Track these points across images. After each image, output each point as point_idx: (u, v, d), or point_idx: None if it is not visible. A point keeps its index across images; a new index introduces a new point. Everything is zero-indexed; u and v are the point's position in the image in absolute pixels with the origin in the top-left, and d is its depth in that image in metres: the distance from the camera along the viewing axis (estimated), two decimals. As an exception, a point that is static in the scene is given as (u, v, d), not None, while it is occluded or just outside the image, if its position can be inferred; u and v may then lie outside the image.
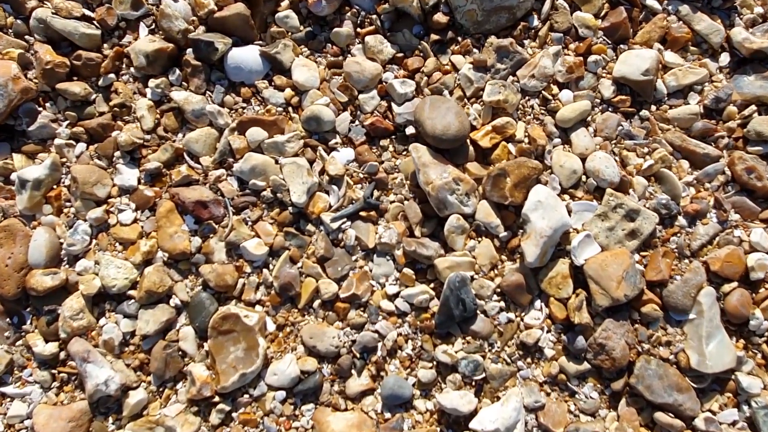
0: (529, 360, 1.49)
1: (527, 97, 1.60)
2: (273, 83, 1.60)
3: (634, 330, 1.47)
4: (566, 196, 1.54)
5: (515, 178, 1.49)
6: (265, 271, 1.52)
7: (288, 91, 1.59)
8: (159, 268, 1.51)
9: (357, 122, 1.60)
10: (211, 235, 1.54)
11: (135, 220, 1.54)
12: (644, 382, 1.43)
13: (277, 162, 1.56)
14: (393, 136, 1.60)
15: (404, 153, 1.59)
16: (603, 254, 1.47)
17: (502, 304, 1.50)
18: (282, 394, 1.46)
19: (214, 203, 1.53)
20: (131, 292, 1.50)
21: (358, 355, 1.49)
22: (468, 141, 1.56)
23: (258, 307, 1.52)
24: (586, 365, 1.46)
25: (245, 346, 1.46)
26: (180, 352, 1.48)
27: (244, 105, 1.60)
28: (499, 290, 1.50)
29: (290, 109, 1.60)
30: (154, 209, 1.55)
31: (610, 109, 1.59)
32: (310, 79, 1.59)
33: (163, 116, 1.59)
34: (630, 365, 1.45)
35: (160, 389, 1.48)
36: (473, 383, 1.48)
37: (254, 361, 1.45)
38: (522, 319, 1.50)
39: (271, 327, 1.51)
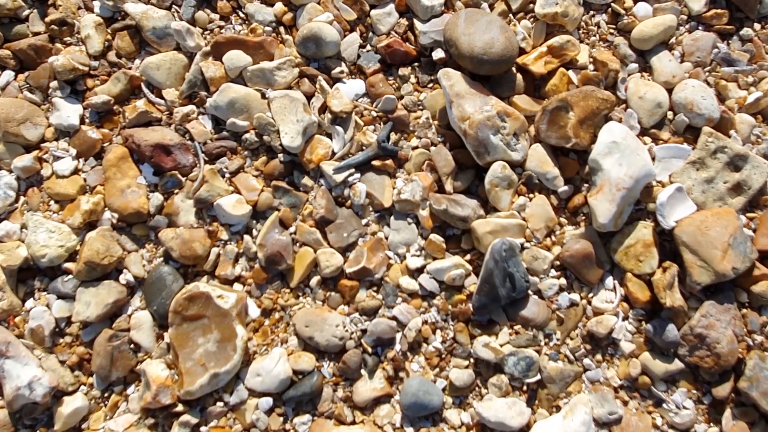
0: (599, 357, 1.11)
1: (592, 12, 1.22)
2: (259, -4, 1.24)
3: (742, 317, 1.09)
4: (647, 139, 1.16)
5: (580, 112, 1.12)
6: (246, 237, 1.15)
7: (279, 6, 1.23)
8: (105, 233, 1.14)
9: (369, 45, 1.23)
10: (176, 191, 1.17)
11: (76, 171, 1.17)
12: (759, 386, 1.05)
13: (264, 96, 1.19)
14: (416, 63, 1.23)
15: (430, 85, 1.22)
16: (701, 214, 1.09)
17: (563, 281, 1.12)
18: (268, 401, 1.09)
19: (180, 148, 1.16)
20: (68, 265, 1.13)
21: (369, 350, 1.11)
22: (514, 68, 1.19)
23: (237, 286, 1.15)
24: (677, 364, 1.08)
25: (218, 337, 1.09)
26: (132, 345, 1.12)
27: (222, 24, 1.23)
28: (558, 263, 1.13)
29: (282, 28, 1.23)
30: (101, 156, 1.18)
31: (701, 27, 1.21)
32: (308, -11, 1.23)
33: (115, 37, 1.22)
34: (738, 364, 1.07)
35: (105, 394, 1.11)
36: (525, 388, 1.10)
37: (230, 357, 1.08)
38: (590, 302, 1.12)
39: (254, 312, 1.14)
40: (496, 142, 1.11)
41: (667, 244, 1.13)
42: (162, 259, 1.15)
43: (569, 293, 1.13)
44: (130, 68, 1.22)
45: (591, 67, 1.19)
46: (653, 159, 1.14)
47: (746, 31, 1.20)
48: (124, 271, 1.14)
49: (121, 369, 1.10)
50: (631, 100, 1.16)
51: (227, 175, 1.18)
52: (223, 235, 1.16)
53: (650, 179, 1.10)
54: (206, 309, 1.10)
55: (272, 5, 1.23)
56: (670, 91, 1.16)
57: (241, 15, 1.24)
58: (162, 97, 1.20)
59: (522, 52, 1.19)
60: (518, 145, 1.14)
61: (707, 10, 1.21)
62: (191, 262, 1.13)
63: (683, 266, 1.09)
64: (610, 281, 1.13)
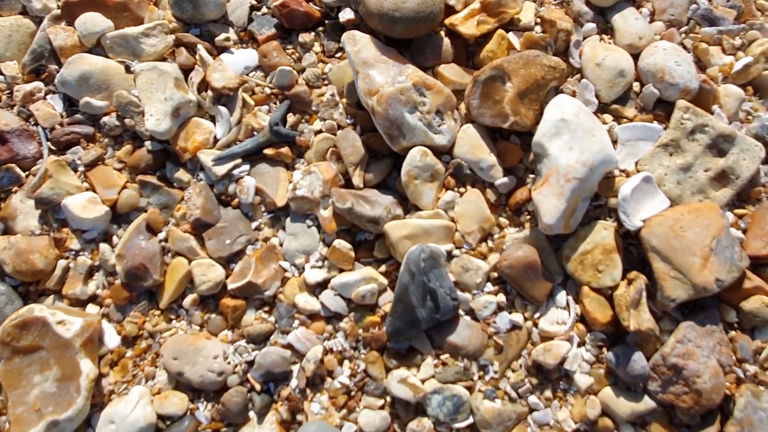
0: (549, 394, 0.87)
1: (539, -40, 0.99)
2: (128, -53, 1.00)
3: (730, 341, 0.86)
4: (607, 117, 0.92)
5: (520, 82, 0.87)
6: (103, 246, 0.91)
7: (151, -41, 0.99)
8: None
9: (266, 7, 0.99)
10: (15, 189, 0.93)
11: None
12: (752, 431, 0.81)
13: (129, 70, 0.95)
14: (320, 28, 0.99)
15: (338, 54, 0.98)
16: (675, 211, 0.85)
17: (502, 298, 0.88)
18: (122, 457, 0.85)
19: (19, 135, 0.93)
20: None
21: (258, 387, 0.88)
22: (441, 33, 0.95)
23: (92, 308, 0.91)
24: (647, 403, 0.85)
25: (58, 375, 0.85)
26: (-51, 386, 0.88)
27: (79, -19, 1.00)
28: (496, 275, 0.89)
29: (154, -14, 1.00)
30: None
31: (675, -22, 0.97)
32: (186, -64, 0.99)
33: (-56, -2, 0.99)
34: (725, 402, 0.84)
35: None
36: (453, 435, 0.86)
37: (73, 399, 0.84)
38: (536, 325, 0.88)
39: (112, 341, 0.90)
40: (413, 122, 0.87)
41: (634, 250, 0.89)
42: (-5, 275, 0.91)
43: (510, 313, 0.89)
44: (-38, 37, 0.98)
45: (537, 28, 0.95)
46: (614, 142, 0.90)
47: (731, -18, 0.97)
48: (-55, 291, 0.90)
49: (-66, 417, 0.87)
50: (586, 68, 0.92)
51: (81, 169, 0.94)
52: (74, 243, 0.92)
53: (610, 167, 0.86)
54: (43, 339, 0.86)
55: (143, -43, 1.00)
56: (636, 57, 0.92)
57: (104, -30, 1.00)
58: (0, 73, 0.96)
59: (451, 11, 0.95)
60: (443, 126, 0.90)
61: (683, -43, 0.97)
62: (30, 278, 0.90)
63: (653, 278, 0.85)
64: (562, 297, 0.89)
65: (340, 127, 0.94)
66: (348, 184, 0.92)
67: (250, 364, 0.89)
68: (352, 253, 0.90)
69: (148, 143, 0.93)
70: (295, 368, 0.89)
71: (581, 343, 0.88)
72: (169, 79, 0.93)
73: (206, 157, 0.92)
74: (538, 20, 0.95)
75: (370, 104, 0.87)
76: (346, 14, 0.96)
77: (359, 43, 0.90)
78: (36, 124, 0.94)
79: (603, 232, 0.88)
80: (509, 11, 0.93)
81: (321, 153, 0.93)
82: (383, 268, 0.91)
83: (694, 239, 0.83)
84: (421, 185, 0.89)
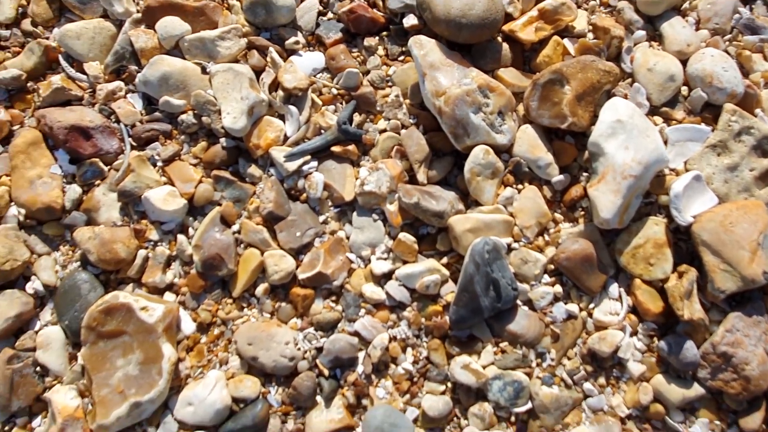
0: (603, 381, 0.92)
1: (591, -28, 1.04)
2: (202, -45, 1.06)
3: (776, 331, 0.91)
4: (658, 119, 0.98)
5: (578, 86, 0.93)
6: (181, 237, 0.96)
7: (224, -33, 1.05)
8: (9, 233, 0.95)
9: (330, 12, 1.05)
10: (98, 182, 0.98)
11: (-22, 158, 0.99)
12: (797, 416, 0.86)
13: (204, 71, 1.01)
14: (384, 32, 1.04)
15: (401, 57, 1.03)
16: (724, 207, 0.90)
17: (558, 289, 0.94)
18: (201, 436, 0.90)
19: (102, 131, 0.98)
20: (-37, 270, 0.94)
21: (326, 373, 0.93)
22: (500, 36, 1.00)
23: (169, 295, 0.96)
24: (697, 389, 0.89)
25: (141, 358, 0.90)
26: (38, 368, 0.93)
27: (157, -14, 1.06)
28: (552, 267, 0.94)
29: (227, -8, 1.06)
30: (9, 141, 0.99)
31: (719, -10, 1.03)
32: (258, -54, 1.05)
33: (30, 1, 1.04)
34: (772, 389, 0.88)
35: (6, 428, 0.92)
36: (513, 419, 0.91)
37: (155, 382, 0.89)
38: (591, 315, 0.93)
39: (188, 327, 0.95)
40: (477, 122, 0.93)
41: (683, 245, 0.94)
42: (79, 263, 0.96)
43: (566, 303, 0.94)
44: (47, 38, 1.04)
45: (590, 35, 1.01)
46: (665, 142, 0.96)
47: (773, -6, 1.03)
48: (32, 278, 0.95)
49: (23, 397, 0.91)
50: (638, 73, 0.98)
51: (159, 164, 0.99)
52: (153, 234, 0.97)
53: (662, 166, 0.92)
54: (127, 324, 0.91)
55: (217, -35, 1.06)
56: (684, 62, 0.98)
57: (180, -24, 1.06)
58: (84, 72, 1.02)
59: (509, 18, 1.01)
60: (504, 126, 0.95)
61: (726, -30, 1.03)
62: (113, 267, 0.95)
63: (703, 270, 0.90)
64: (614, 289, 0.94)
65: (403, 126, 1.00)
66: (412, 181, 0.97)
67: (319, 350, 0.94)
68: (416, 246, 0.95)
69: (222, 140, 0.99)
70: (361, 355, 0.94)
71: (633, 333, 0.93)
72: (245, 79, 0.98)
73: (278, 153, 0.98)
74: (591, 27, 1.01)
75: (437, 105, 0.93)
76: (410, 20, 1.01)
77: (425, 47, 0.96)
78: (118, 121, 0.99)
79: (654, 228, 0.93)
80: (565, 19, 0.99)
81: (386, 151, 0.99)
82: (445, 260, 0.96)
83: (742, 234, 0.88)
84: (483, 182, 0.95)
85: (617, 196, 0.89)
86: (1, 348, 0.92)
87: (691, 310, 0.88)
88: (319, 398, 0.93)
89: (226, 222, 0.97)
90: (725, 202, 0.93)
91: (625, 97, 0.97)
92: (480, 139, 0.94)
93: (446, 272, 0.95)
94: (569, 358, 0.93)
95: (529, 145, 0.95)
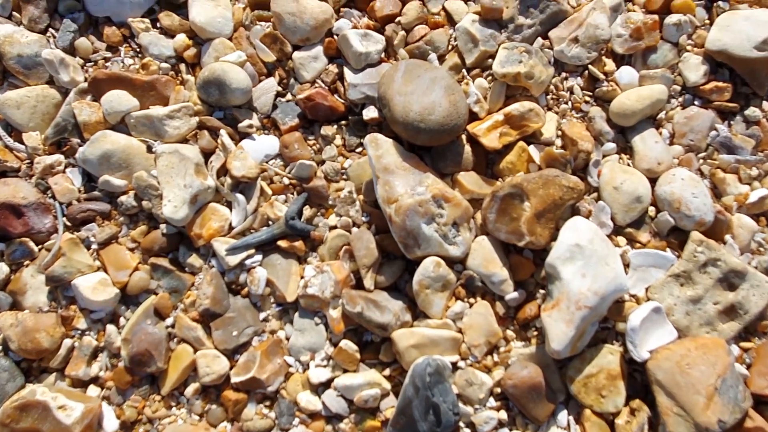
0: None
1: (564, 74, 0.99)
2: (159, 24, 1.00)
3: (727, 479, 0.86)
4: (621, 239, 0.93)
5: (538, 203, 0.88)
6: (110, 328, 0.91)
7: (181, 39, 0.99)
8: (-74, 313, 0.90)
9: (290, 94, 1.00)
10: (27, 263, 0.93)
11: None
12: None
13: (150, 149, 0.96)
14: (343, 121, 0.99)
15: (359, 150, 0.98)
16: (683, 345, 0.85)
17: (503, 415, 0.88)
18: None
19: (36, 209, 0.93)
20: None
21: (252, 485, 0.87)
22: (463, 137, 0.95)
23: (93, 389, 0.91)
24: None
25: (55, 462, 0.84)
26: (-55, 462, 0.87)
27: (109, 55, 1.00)
28: (499, 391, 0.89)
29: (183, 66, 1.00)
30: (-64, 213, 0.94)
31: (697, 102, 0.98)
32: (217, 21, 0.99)
33: (-29, 63, 0.99)
34: None
35: None
36: None
37: (67, 488, 0.83)
38: (535, 444, 0.88)
39: (111, 425, 0.89)
40: (429, 234, 0.88)
41: (638, 376, 0.89)
42: (0, 349, 0.91)
43: (510, 430, 0.89)
44: (-14, 104, 0.98)
45: (558, 142, 0.96)
46: (627, 266, 0.91)
47: (752, 111, 0.97)
48: (-52, 362, 0.90)
49: (-75, 493, 0.86)
50: (604, 190, 0.93)
51: (95, 246, 0.94)
52: (81, 323, 0.92)
53: (621, 294, 0.87)
54: (43, 422, 0.85)
55: (172, 36, 1.00)
56: (653, 180, 0.93)
57: (134, 46, 1.01)
58: (22, 142, 0.96)
59: (474, 117, 0.96)
60: (458, 237, 0.90)
61: (706, 82, 0.97)
62: (35, 356, 0.89)
63: (656, 410, 0.85)
64: (563, 417, 0.89)
65: (355, 224, 0.95)
66: (359, 286, 0.92)
67: (247, 459, 0.89)
68: (358, 355, 0.90)
69: (163, 226, 0.93)
70: (292, 467, 0.89)
71: (579, 467, 0.88)
72: (190, 165, 0.93)
73: (220, 246, 0.92)
74: (560, 133, 0.96)
75: (388, 212, 0.88)
76: (370, 112, 0.96)
77: (381, 148, 0.90)
78: (53, 197, 0.94)
79: (609, 357, 0.88)
80: (532, 125, 0.93)
81: (334, 250, 0.93)
82: (387, 371, 0.91)
83: (699, 377, 0.83)
84: (432, 294, 0.89)
85: (570, 327, 0.84)
86: None
87: (639, 454, 0.83)
88: None
89: (159, 314, 0.92)
90: (685, 336, 0.88)
91: (589, 213, 0.92)
92: (431, 250, 0.88)
93: (387, 385, 0.90)
94: (510, 490, 0.88)
95: (484, 259, 0.90)
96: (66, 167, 0.96)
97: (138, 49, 1.00)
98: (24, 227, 0.92)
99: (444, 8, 1.01)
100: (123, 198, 0.94)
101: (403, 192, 0.88)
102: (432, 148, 0.94)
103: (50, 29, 0.99)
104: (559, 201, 0.89)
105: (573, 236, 0.87)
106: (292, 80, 1.00)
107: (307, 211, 0.95)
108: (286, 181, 0.96)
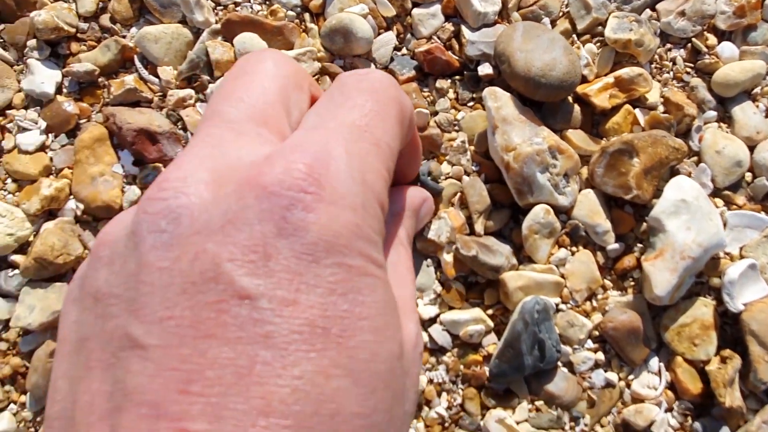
0: (633, 453, 0.93)
1: (669, 45, 1.05)
2: (287, -25, 1.07)
3: (809, 428, 0.92)
4: (719, 201, 0.99)
5: (647, 160, 0.94)
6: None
7: (308, -11, 1.05)
8: (65, 226, 0.95)
9: (405, 49, 1.05)
10: (157, 187, 0.98)
11: (42, 147, 0.99)
12: None
13: (275, 90, 1.01)
14: (457, 76, 1.05)
15: (471, 103, 1.04)
16: (775, 299, 0.91)
17: (600, 356, 0.94)
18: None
19: (168, 138, 0.98)
20: (15, 258, 0.94)
21: (360, 407, 0.93)
22: (571, 97, 1.01)
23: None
24: (726, 475, 0.90)
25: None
26: (77, 365, 0.92)
27: (239, 0, 1.06)
28: (597, 334, 0.95)
29: (307, 15, 1.06)
30: (75, 134, 1.00)
31: (792, 80, 1.04)
32: (344, -26, 1.05)
33: (112, -2, 1.05)
34: (799, 485, 0.89)
35: (38, 418, 0.92)
36: (540, 479, 0.91)
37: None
38: (629, 385, 0.94)
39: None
40: (542, 182, 0.93)
41: (728, 329, 0.95)
42: (129, 265, 0.96)
43: (606, 371, 0.95)
44: (124, 36, 1.03)
45: (661, 108, 1.02)
46: (724, 225, 0.97)
47: None
48: (82, 274, 0.95)
49: (59, 393, 0.91)
50: (705, 154, 0.98)
51: (220, 177, 0.99)
52: (206, 247, 0.97)
53: (720, 250, 0.93)
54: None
55: (300, -13, 1.06)
56: (751, 148, 0.99)
57: (263, -7, 1.07)
58: (157, 75, 1.02)
59: (584, 80, 1.01)
60: (567, 188, 0.96)
61: (802, 61, 1.04)
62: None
63: (747, 359, 0.91)
64: (655, 363, 0.95)
65: (466, 173, 1.00)
66: (470, 230, 0.98)
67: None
68: (465, 294, 0.96)
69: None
70: (396, 393, 0.95)
71: (669, 409, 0.94)
72: (315, 106, 0.98)
73: (339, 183, 0.98)
74: (663, 100, 1.02)
75: (505, 159, 0.93)
76: (485, 68, 1.02)
77: (500, 100, 0.96)
78: (184, 128, 1.00)
79: (703, 309, 0.94)
80: (640, 89, 0.99)
81: (448, 197, 0.99)
82: (490, 311, 0.97)
83: (791, 329, 0.89)
84: (539, 240, 0.95)
85: (673, 275, 0.89)
86: (43, 340, 0.92)
87: (732, 398, 0.88)
88: None
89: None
90: (776, 294, 0.94)
91: (689, 175, 0.98)
92: (543, 198, 0.94)
93: (491, 323, 0.95)
94: (602, 426, 0.94)
95: (589, 210, 0.96)
96: (196, 101, 1.02)
97: (267, -4, 1.06)
98: (158, 153, 0.98)
99: (557, -24, 1.07)
100: (249, 133, 1.00)
101: (521, 141, 0.93)
102: (543, 105, 1.00)
103: (186, -28, 1.05)
104: (665, 160, 0.95)
105: (678, 193, 0.92)
106: (408, 35, 1.06)
107: (432, 166, 1.01)
108: (402, 128, 1.02)
